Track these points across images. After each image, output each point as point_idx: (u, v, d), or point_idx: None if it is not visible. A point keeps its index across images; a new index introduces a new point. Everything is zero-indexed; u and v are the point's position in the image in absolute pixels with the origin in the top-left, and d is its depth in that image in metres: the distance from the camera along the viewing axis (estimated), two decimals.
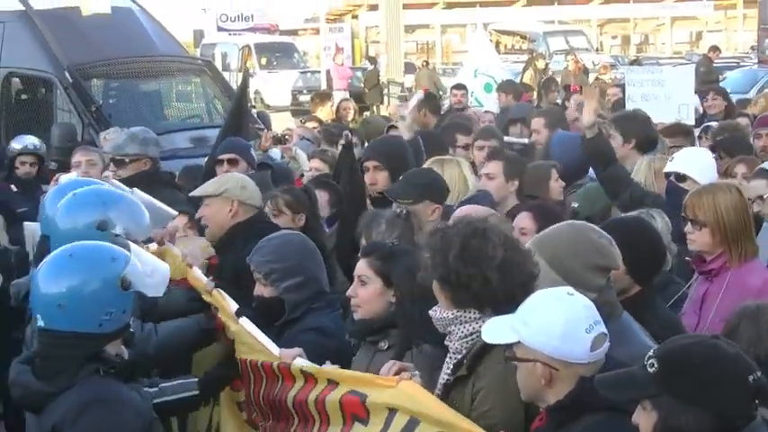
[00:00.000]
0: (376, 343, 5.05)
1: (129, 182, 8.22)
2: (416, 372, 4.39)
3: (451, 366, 4.40)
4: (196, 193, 6.96)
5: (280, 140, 10.82)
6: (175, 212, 7.18)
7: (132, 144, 8.66)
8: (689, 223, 5.85)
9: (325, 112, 14.37)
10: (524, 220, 6.16)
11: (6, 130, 13.58)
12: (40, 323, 4.28)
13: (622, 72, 29.94)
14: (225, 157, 8.53)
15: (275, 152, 11.36)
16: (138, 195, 6.20)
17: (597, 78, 23.07)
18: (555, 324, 3.85)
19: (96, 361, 4.27)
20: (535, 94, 19.32)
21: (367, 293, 5.07)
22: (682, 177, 7.12)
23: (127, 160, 8.56)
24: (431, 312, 4.45)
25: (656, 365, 3.41)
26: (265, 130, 12.68)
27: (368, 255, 5.17)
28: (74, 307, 4.22)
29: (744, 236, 5.78)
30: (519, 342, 3.91)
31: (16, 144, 10.37)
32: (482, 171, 8.09)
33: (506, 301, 4.19)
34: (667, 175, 7.32)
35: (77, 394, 4.18)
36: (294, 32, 57.97)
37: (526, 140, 10.71)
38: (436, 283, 4.42)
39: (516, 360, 3.94)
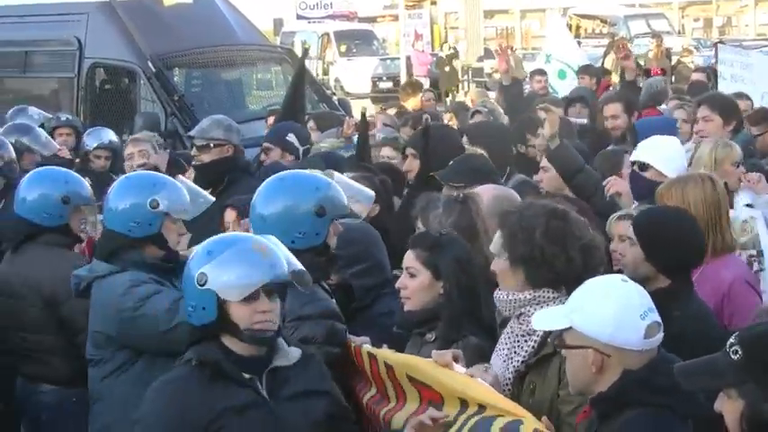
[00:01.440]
0: (423, 335, 5.05)
1: (211, 167, 8.38)
2: (486, 365, 4.40)
3: (533, 346, 4.40)
4: None
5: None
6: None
7: (217, 129, 8.70)
8: None
9: (413, 103, 14.32)
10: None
11: (91, 119, 13.73)
12: None
13: (704, 56, 29.63)
14: (264, 145, 8.82)
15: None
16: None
17: (679, 62, 22.75)
18: (610, 310, 3.83)
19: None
20: (616, 78, 19.13)
21: (415, 285, 5.05)
22: (645, 166, 6.93)
23: (212, 145, 8.64)
24: (499, 294, 4.49)
25: (740, 352, 3.36)
26: (348, 117, 12.71)
27: (415, 246, 5.14)
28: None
29: (716, 229, 5.68)
30: (571, 329, 3.89)
31: (91, 139, 10.46)
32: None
33: (582, 281, 4.17)
34: (631, 163, 7.20)
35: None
36: (373, 19, 57.91)
37: (585, 120, 10.58)
38: (511, 263, 4.45)
39: (567, 348, 3.92)
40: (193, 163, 8.70)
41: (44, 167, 7.03)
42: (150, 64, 13.60)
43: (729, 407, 3.43)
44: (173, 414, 4.19)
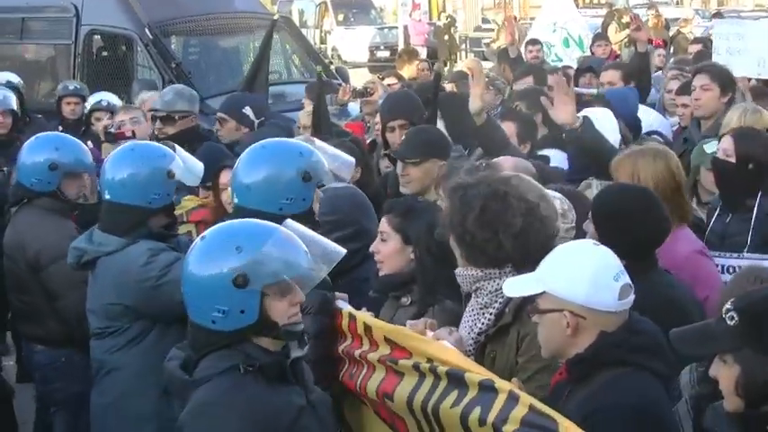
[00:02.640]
0: (398, 298, 5.12)
1: (177, 138, 8.28)
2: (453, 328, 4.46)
3: (491, 318, 4.44)
4: None
5: (362, 93, 10.73)
6: None
7: (181, 101, 8.78)
8: None
9: (409, 71, 14.28)
10: None
11: (89, 86, 13.67)
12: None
13: (702, 26, 29.55)
14: (219, 116, 8.79)
15: (353, 106, 11.35)
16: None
17: (678, 32, 22.69)
18: (584, 272, 3.87)
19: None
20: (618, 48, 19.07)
21: (387, 250, 5.14)
22: None
23: (176, 117, 8.64)
24: (457, 271, 4.51)
25: (736, 318, 3.39)
26: (344, 84, 12.69)
27: (389, 211, 5.22)
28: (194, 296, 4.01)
29: (669, 203, 5.46)
30: (544, 293, 3.92)
31: (61, 88, 10.45)
32: None
33: (522, 262, 4.27)
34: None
35: (205, 392, 3.93)
36: None
37: (594, 90, 10.56)
38: (452, 241, 4.49)
39: (541, 312, 3.95)
40: (158, 136, 8.63)
41: (43, 133, 7.06)
42: (147, 31, 13.58)
43: (725, 372, 3.46)
44: (259, 420, 3.87)
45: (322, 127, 8.68)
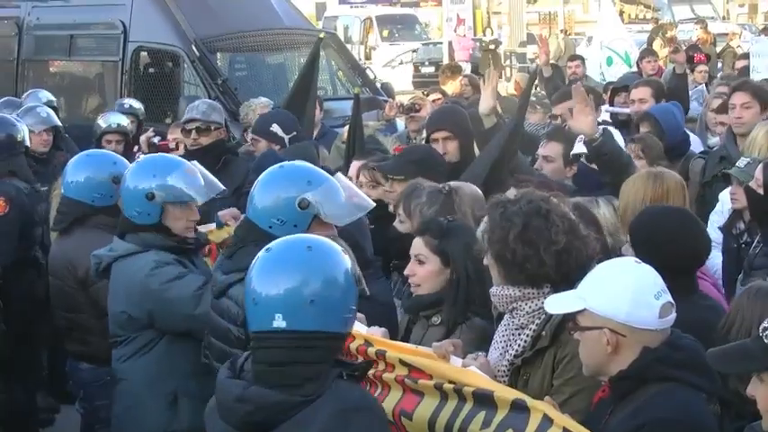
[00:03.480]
0: (429, 317, 5.10)
1: (210, 149, 8.50)
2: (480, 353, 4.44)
3: (527, 340, 4.41)
4: None
5: (410, 109, 10.75)
6: None
7: (215, 113, 8.84)
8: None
9: (453, 87, 14.28)
10: None
11: None
12: (280, 324, 3.75)
13: (748, 42, 29.39)
14: (251, 137, 8.84)
15: (399, 122, 11.37)
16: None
17: (727, 47, 22.60)
18: (624, 290, 3.86)
19: (339, 364, 3.85)
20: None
21: (425, 272, 5.11)
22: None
23: (212, 128, 8.69)
24: (493, 291, 4.48)
25: None
26: (390, 100, 12.71)
27: (423, 233, 5.18)
28: (325, 304, 3.77)
29: None
30: (585, 311, 3.91)
31: (102, 122, 10.42)
32: (540, 152, 7.68)
33: (561, 282, 4.24)
34: (576, 156, 7.09)
35: (332, 403, 3.69)
36: (416, 4, 57.73)
37: (629, 110, 10.52)
38: (490, 258, 4.46)
39: (581, 329, 3.93)
40: (191, 147, 8.69)
41: (90, 150, 7.12)
42: (194, 47, 13.64)
43: (762, 391, 3.44)
44: (384, 419, 3.91)
45: (356, 146, 8.71)
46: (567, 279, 4.16)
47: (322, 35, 11.62)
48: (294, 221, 4.89)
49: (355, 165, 7.49)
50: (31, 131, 9.45)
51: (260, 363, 3.77)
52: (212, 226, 6.45)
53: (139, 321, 5.68)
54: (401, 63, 39.17)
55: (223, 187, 6.13)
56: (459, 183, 6.09)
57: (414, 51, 39.71)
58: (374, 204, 5.77)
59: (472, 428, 3.95)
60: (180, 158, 6.11)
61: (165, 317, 5.61)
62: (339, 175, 5.38)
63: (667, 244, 4.91)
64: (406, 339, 4.96)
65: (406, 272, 5.19)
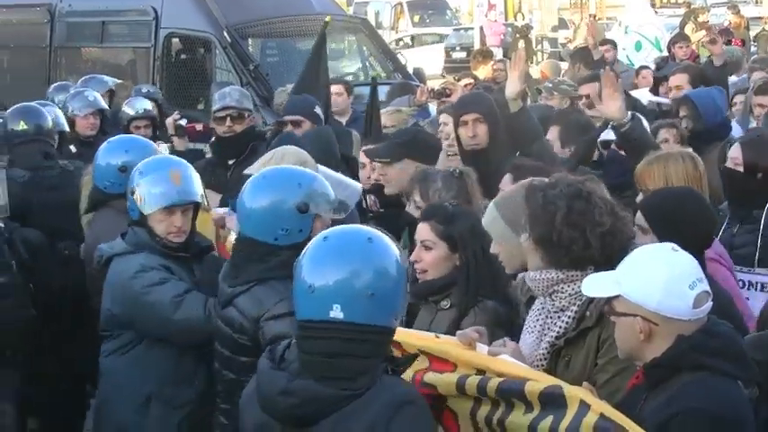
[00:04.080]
0: (438, 302, 5.09)
1: (242, 137, 8.51)
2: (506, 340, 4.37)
3: (569, 321, 4.38)
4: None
5: (441, 94, 10.72)
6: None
7: (247, 100, 8.85)
8: (641, 193, 5.65)
9: (484, 71, 14.23)
10: None
11: (167, 89, 13.83)
12: (338, 314, 3.69)
13: None
14: (289, 118, 8.63)
15: (432, 107, 11.34)
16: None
17: (763, 31, 22.42)
18: (658, 278, 3.81)
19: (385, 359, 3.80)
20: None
21: (432, 258, 5.10)
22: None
23: (246, 115, 8.69)
24: (531, 275, 4.43)
25: None
26: (422, 85, 12.68)
27: (429, 218, 5.15)
28: (383, 297, 3.72)
29: None
30: (619, 296, 3.87)
31: (129, 109, 10.35)
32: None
33: (605, 264, 4.19)
34: (605, 143, 7.01)
35: (379, 397, 3.65)
36: None
37: (668, 100, 10.42)
38: (532, 241, 4.40)
39: (616, 314, 3.90)
40: (224, 134, 8.65)
41: (116, 137, 7.13)
42: (226, 33, 13.66)
43: None
44: None
45: (372, 131, 8.70)
46: (610, 261, 4.12)
47: (328, 18, 11.53)
48: (299, 227, 4.90)
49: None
50: (76, 115, 9.53)
51: (309, 353, 3.72)
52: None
53: (121, 320, 5.72)
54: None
55: (194, 199, 5.94)
56: (466, 167, 6.09)
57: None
58: (360, 186, 5.79)
59: (512, 418, 3.91)
60: (172, 159, 6.11)
61: (142, 320, 5.62)
62: (320, 167, 5.40)
63: (686, 225, 4.87)
64: (409, 325, 4.90)
65: (411, 258, 5.15)
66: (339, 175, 5.69)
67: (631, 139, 6.44)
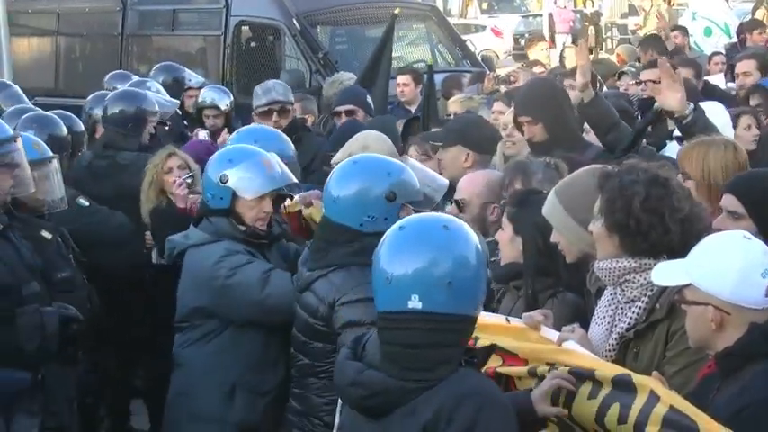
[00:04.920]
0: (519, 288, 5.08)
1: (288, 129, 8.19)
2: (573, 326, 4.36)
3: (640, 312, 4.34)
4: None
5: (505, 81, 10.71)
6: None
7: (289, 93, 8.85)
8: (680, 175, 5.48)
9: (535, 54, 14.14)
10: None
11: (237, 77, 13.93)
12: (416, 305, 3.64)
13: None
14: (341, 109, 8.61)
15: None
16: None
17: None
18: (730, 267, 3.77)
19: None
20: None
21: (502, 238, 5.16)
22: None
23: (289, 108, 8.69)
24: (603, 264, 4.39)
25: None
26: (488, 72, 12.66)
27: (509, 201, 5.26)
28: (461, 286, 3.68)
29: None
30: (690, 285, 3.84)
31: (200, 98, 10.45)
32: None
33: (681, 251, 4.12)
34: (677, 138, 6.76)
35: (448, 388, 3.62)
36: None
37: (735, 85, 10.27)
38: (606, 228, 4.37)
39: (687, 303, 3.87)
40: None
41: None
42: (295, 21, 13.71)
43: None
44: None
45: (430, 120, 8.68)
46: (687, 248, 4.09)
47: (397, 11, 11.53)
48: (384, 215, 4.94)
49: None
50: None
51: (390, 344, 3.68)
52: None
53: (205, 310, 5.73)
54: None
55: (295, 180, 6.09)
56: (558, 159, 6.02)
57: None
58: (447, 182, 5.78)
59: (578, 400, 3.90)
60: (256, 148, 6.07)
61: (230, 304, 5.63)
62: (408, 158, 5.41)
63: None
64: (495, 311, 4.91)
65: (496, 236, 5.25)
66: (427, 169, 5.68)
67: (695, 132, 6.21)
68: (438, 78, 11.82)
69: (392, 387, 3.64)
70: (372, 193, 4.97)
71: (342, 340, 4.88)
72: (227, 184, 5.68)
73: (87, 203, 6.92)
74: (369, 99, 8.75)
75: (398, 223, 3.84)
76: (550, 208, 4.84)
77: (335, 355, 4.75)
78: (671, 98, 6.27)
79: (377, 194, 4.96)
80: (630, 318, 4.38)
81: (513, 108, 7.43)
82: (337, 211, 5.02)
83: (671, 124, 6.81)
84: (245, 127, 7.20)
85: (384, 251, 3.76)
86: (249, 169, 5.75)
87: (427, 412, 3.58)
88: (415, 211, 4.90)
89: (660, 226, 4.29)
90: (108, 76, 10.92)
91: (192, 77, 11.46)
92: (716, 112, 6.95)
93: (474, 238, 3.79)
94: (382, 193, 4.96)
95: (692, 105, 6.25)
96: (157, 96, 8.97)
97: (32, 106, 8.60)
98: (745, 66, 9.87)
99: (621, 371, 3.88)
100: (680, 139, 6.53)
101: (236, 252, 5.64)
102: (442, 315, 3.63)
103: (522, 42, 37.76)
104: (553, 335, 4.27)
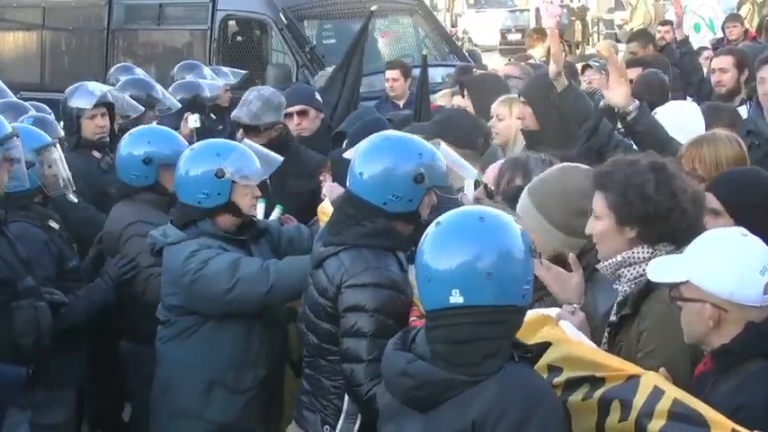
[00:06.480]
0: None
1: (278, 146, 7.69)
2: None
3: (616, 307, 4.34)
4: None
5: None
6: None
7: (269, 112, 7.94)
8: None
9: (540, 51, 14.13)
10: None
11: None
12: (458, 300, 3.62)
13: None
14: (293, 109, 8.26)
15: None
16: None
17: None
18: (728, 266, 3.75)
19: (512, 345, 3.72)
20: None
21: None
22: None
23: (261, 128, 7.83)
24: (617, 257, 4.33)
25: None
26: (475, 69, 12.63)
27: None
28: (503, 276, 3.64)
29: None
30: (687, 282, 3.81)
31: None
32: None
33: (698, 230, 4.13)
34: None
35: (498, 383, 3.58)
36: None
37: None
38: (619, 223, 4.31)
39: (683, 300, 3.84)
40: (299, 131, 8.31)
41: (137, 128, 7.06)
42: (282, 15, 13.67)
43: None
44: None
45: (422, 112, 8.64)
46: (695, 233, 4.05)
47: (374, 8, 11.47)
48: (410, 196, 4.88)
49: None
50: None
51: (439, 342, 3.65)
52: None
53: (182, 307, 5.72)
54: None
55: (280, 158, 6.21)
56: (551, 155, 5.96)
57: None
58: (476, 172, 5.72)
59: (574, 398, 3.86)
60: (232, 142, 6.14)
61: (201, 295, 5.60)
62: (442, 144, 5.35)
63: (759, 207, 4.72)
64: None
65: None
66: (458, 157, 5.62)
67: (635, 131, 6.19)
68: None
69: (441, 378, 3.61)
70: (401, 171, 4.87)
71: (344, 324, 4.86)
72: (224, 178, 5.65)
73: (77, 200, 6.87)
74: (318, 96, 8.58)
75: (437, 220, 3.81)
76: (523, 207, 4.81)
77: (342, 339, 4.82)
78: (616, 93, 6.17)
79: (405, 174, 4.87)
80: (614, 311, 4.37)
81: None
82: (361, 186, 4.92)
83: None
84: (138, 128, 7.01)
85: (423, 249, 3.73)
86: (242, 157, 5.77)
87: (477, 407, 3.55)
88: (438, 198, 4.93)
89: (677, 207, 4.25)
90: (112, 69, 10.90)
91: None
92: (692, 115, 6.94)
93: (514, 226, 3.76)
94: (411, 172, 4.86)
95: (636, 102, 6.16)
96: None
97: (18, 100, 8.54)
98: (722, 62, 9.78)
99: (625, 369, 3.81)
100: (624, 135, 6.50)
101: (208, 246, 5.62)
102: (486, 307, 3.61)
103: (509, 37, 38.06)
104: (552, 312, 4.21)
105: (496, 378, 3.58)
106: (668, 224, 4.27)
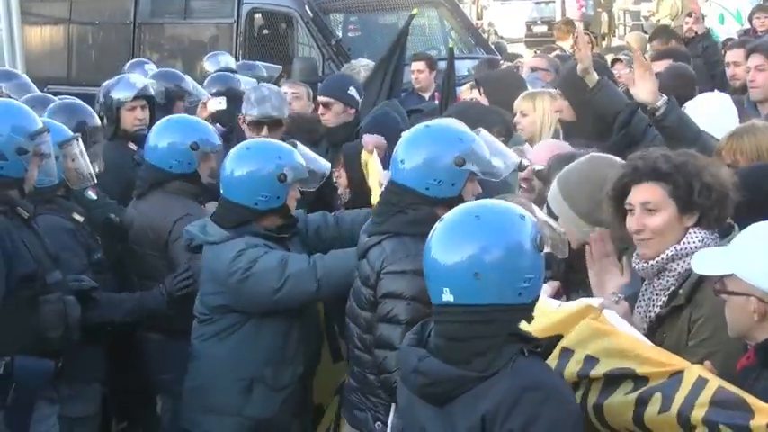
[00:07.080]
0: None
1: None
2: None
3: (664, 299, 4.30)
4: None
5: (518, 68, 10.67)
6: None
7: (285, 108, 8.11)
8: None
9: (569, 43, 14.08)
10: None
11: None
12: (448, 298, 3.63)
13: None
14: (320, 99, 8.31)
15: None
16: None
17: None
18: None
19: (520, 339, 3.67)
20: None
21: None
22: None
23: (284, 122, 7.97)
24: (681, 248, 4.28)
25: None
26: (501, 60, 12.63)
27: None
28: (493, 275, 3.60)
29: None
30: (732, 275, 3.77)
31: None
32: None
33: (750, 216, 4.09)
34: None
35: (508, 379, 3.56)
36: None
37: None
38: (675, 214, 4.27)
39: (728, 293, 3.81)
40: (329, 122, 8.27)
41: (173, 116, 7.08)
42: (308, 8, 13.68)
43: None
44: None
45: (448, 105, 8.61)
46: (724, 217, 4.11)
47: (415, 11, 11.40)
48: (452, 180, 4.91)
49: None
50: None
51: (439, 337, 3.69)
52: None
53: (225, 306, 5.70)
54: None
55: (328, 164, 6.26)
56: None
57: None
58: (518, 159, 5.70)
59: (612, 399, 3.84)
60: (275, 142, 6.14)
61: (250, 295, 5.58)
62: (482, 131, 5.32)
63: None
64: None
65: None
66: (499, 143, 5.60)
67: (664, 126, 6.12)
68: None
69: (451, 375, 3.61)
70: (441, 155, 4.92)
71: (380, 310, 4.89)
72: (285, 182, 5.66)
73: (95, 197, 6.87)
74: (352, 90, 8.52)
75: (442, 216, 3.83)
76: (552, 196, 4.82)
77: (378, 325, 4.87)
78: (642, 89, 6.13)
79: (446, 158, 4.91)
80: (658, 306, 4.34)
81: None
82: (404, 174, 4.96)
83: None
84: (167, 117, 6.95)
85: (429, 245, 3.75)
86: (299, 161, 5.81)
87: (487, 402, 3.55)
88: (482, 185, 5.00)
89: (729, 192, 4.27)
90: (128, 65, 10.88)
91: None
92: (723, 107, 6.86)
93: (513, 224, 3.69)
94: (452, 157, 4.90)
95: (665, 98, 6.11)
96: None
97: (45, 94, 8.56)
98: (735, 55, 9.64)
99: (666, 358, 3.80)
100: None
101: (255, 245, 5.60)
102: (480, 306, 3.60)
103: (535, 29, 37.97)
104: (596, 302, 4.13)
105: (508, 373, 3.56)
106: (725, 208, 4.28)
